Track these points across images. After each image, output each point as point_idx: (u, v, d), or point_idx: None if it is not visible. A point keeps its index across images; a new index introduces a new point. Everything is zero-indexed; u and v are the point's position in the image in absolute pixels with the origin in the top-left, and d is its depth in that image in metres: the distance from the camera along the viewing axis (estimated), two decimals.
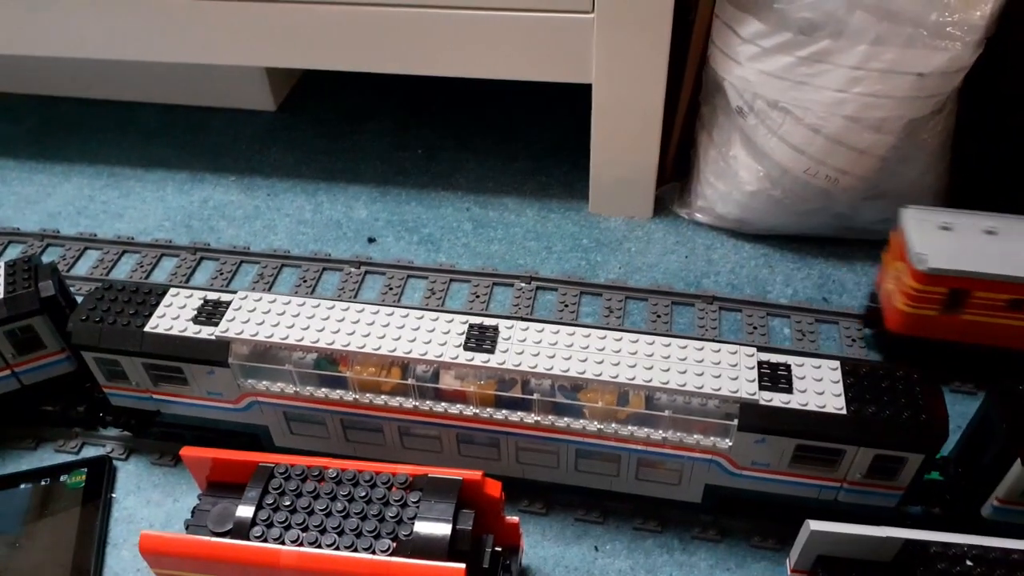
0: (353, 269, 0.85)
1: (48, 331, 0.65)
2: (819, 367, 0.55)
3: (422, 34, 0.79)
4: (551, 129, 1.02)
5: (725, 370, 0.55)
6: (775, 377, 0.55)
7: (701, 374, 0.54)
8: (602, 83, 0.79)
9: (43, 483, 0.66)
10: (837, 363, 0.55)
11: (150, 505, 0.66)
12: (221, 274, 0.84)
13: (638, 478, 0.60)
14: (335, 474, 0.51)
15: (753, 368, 0.55)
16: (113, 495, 0.66)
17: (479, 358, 0.56)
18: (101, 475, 0.67)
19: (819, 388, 0.54)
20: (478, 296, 0.81)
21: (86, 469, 0.67)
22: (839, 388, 0.54)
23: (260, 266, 0.85)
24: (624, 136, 0.82)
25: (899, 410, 0.53)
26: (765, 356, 0.56)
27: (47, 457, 0.69)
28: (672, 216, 0.88)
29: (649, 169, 0.84)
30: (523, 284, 0.81)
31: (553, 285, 0.81)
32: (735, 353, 0.56)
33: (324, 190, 0.96)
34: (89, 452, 0.69)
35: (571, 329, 0.58)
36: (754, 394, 0.53)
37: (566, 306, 0.78)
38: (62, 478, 0.67)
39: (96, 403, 0.69)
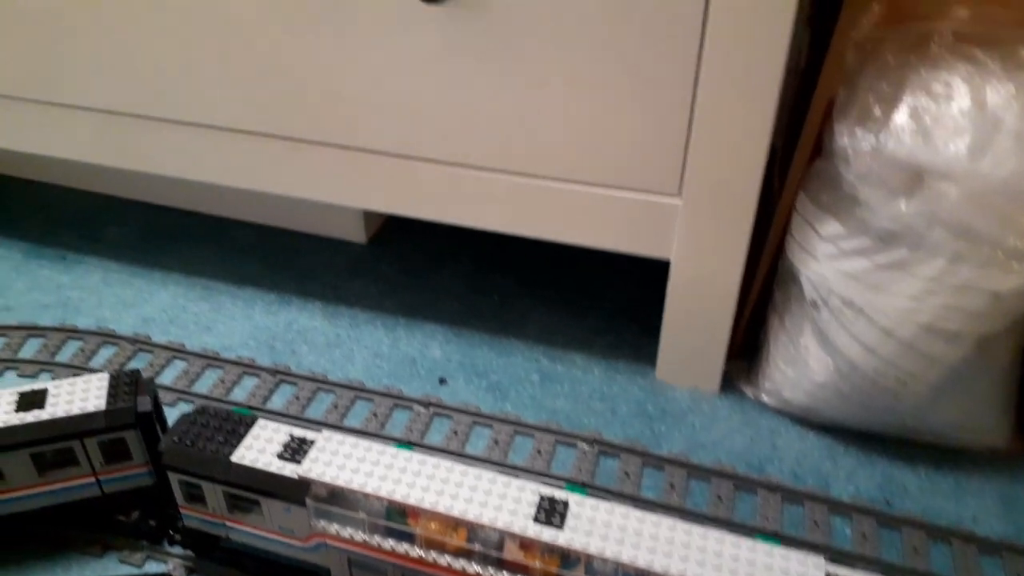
0: (422, 409, 0.87)
1: (137, 444, 0.68)
2: None
3: (511, 197, 0.84)
4: (623, 289, 1.06)
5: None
6: None
7: None
8: (681, 261, 0.82)
9: None
10: None
11: None
12: (298, 399, 0.87)
13: None
14: None
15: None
16: None
17: (547, 533, 0.57)
18: None
19: None
20: (541, 453, 0.82)
21: None
22: None
23: (336, 396, 0.88)
24: (698, 312, 0.85)
25: None
26: (834, 568, 0.56)
27: (111, 566, 0.71)
28: (738, 394, 0.90)
29: (719, 345, 0.87)
30: (586, 446, 0.83)
31: (615, 452, 0.82)
32: (803, 564, 0.56)
33: (403, 325, 1.00)
34: (152, 567, 0.71)
35: (641, 514, 0.58)
36: None
37: (628, 475, 0.80)
38: None
39: (166, 519, 0.71)
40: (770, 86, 0.70)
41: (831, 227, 0.78)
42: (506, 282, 1.08)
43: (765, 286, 0.89)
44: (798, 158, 0.82)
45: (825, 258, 0.78)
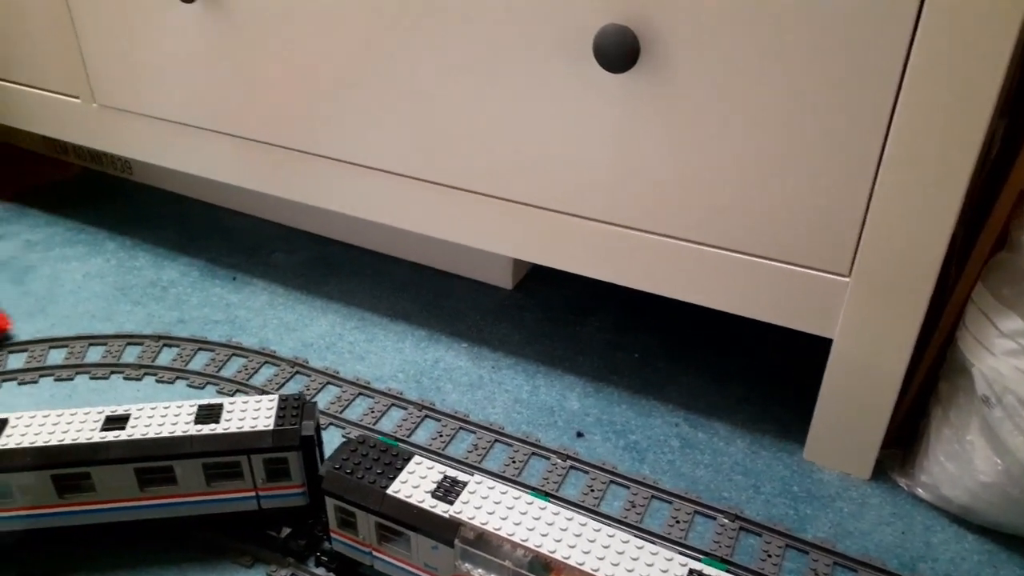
0: (560, 460, 0.88)
1: (298, 466, 0.72)
2: None
3: (673, 260, 0.84)
4: (770, 357, 1.04)
5: None
6: None
7: None
8: (845, 341, 0.80)
9: None
10: None
11: None
12: (441, 435, 0.90)
13: None
14: None
15: None
16: None
17: None
18: None
19: None
20: (678, 522, 0.81)
21: None
22: None
23: (476, 436, 0.90)
24: (857, 394, 0.82)
25: None
26: None
27: None
28: (891, 484, 0.86)
29: (877, 431, 0.83)
30: (726, 520, 0.81)
31: (758, 530, 0.80)
32: None
33: (543, 374, 1.01)
34: None
35: None
36: None
37: (769, 556, 0.77)
38: None
39: (314, 540, 0.74)
40: (962, 170, 0.68)
41: (1012, 323, 0.74)
42: (648, 340, 1.07)
43: (930, 375, 0.85)
44: (979, 248, 0.78)
45: (1003, 354, 0.74)
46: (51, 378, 0.98)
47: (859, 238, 0.75)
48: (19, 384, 0.97)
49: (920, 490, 0.84)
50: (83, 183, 1.42)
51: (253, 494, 0.73)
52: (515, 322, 1.11)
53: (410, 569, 0.67)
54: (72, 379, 0.98)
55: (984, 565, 0.77)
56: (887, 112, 0.69)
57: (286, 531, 0.75)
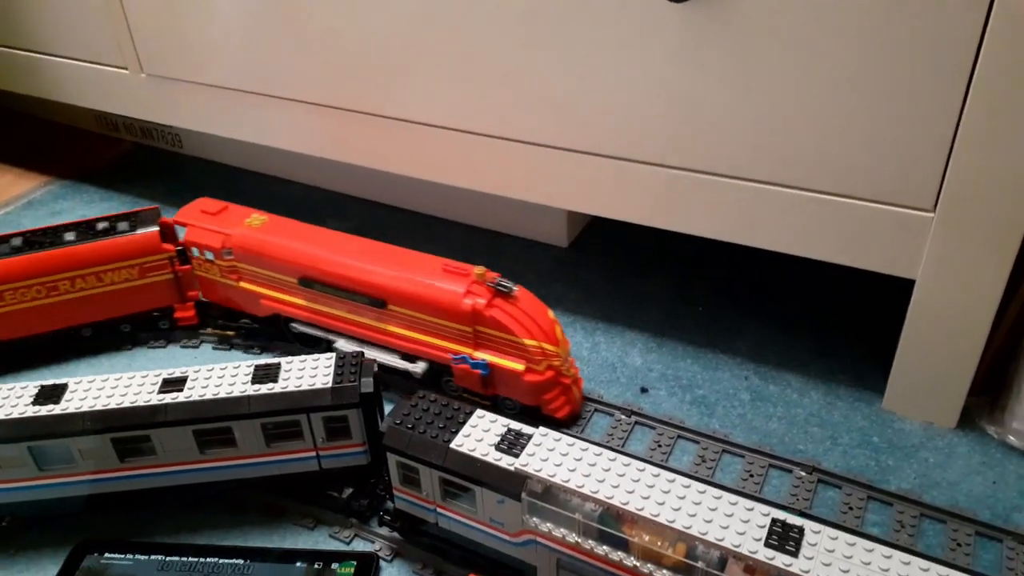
0: (624, 416, 0.85)
1: (358, 424, 0.70)
2: None
3: (742, 205, 0.80)
4: (839, 305, 0.99)
5: None
6: None
7: None
8: (929, 282, 0.75)
9: (316, 566, 0.70)
10: None
11: None
12: None
13: None
14: None
15: None
16: None
17: (781, 559, 0.53)
18: (368, 571, 0.69)
19: None
20: (752, 475, 0.77)
21: (355, 563, 0.70)
22: None
23: None
24: (942, 339, 0.77)
25: None
26: None
27: (321, 540, 0.73)
28: (979, 432, 0.81)
29: (963, 377, 0.78)
30: (803, 473, 0.77)
31: (837, 482, 0.76)
32: None
33: (602, 331, 0.98)
34: (359, 545, 0.73)
35: (888, 551, 0.53)
36: None
37: (851, 508, 0.73)
38: (333, 565, 0.70)
39: (377, 499, 0.73)
40: None
41: None
42: (711, 293, 1.03)
43: (1021, 316, 0.80)
44: None
45: None
46: (112, 350, 0.98)
47: (944, 168, 0.70)
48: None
49: (1012, 437, 0.79)
50: (135, 158, 1.43)
51: (313, 454, 0.72)
52: (572, 280, 1.07)
53: (475, 525, 0.65)
54: (131, 349, 0.98)
55: None
56: (978, 28, 0.63)
57: (348, 491, 0.73)
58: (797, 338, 0.95)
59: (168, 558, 0.71)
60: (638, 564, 0.58)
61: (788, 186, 0.77)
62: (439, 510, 0.66)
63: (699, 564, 0.55)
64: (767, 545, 0.54)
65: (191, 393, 0.70)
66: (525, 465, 0.60)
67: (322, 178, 1.29)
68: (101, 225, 0.93)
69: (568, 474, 0.59)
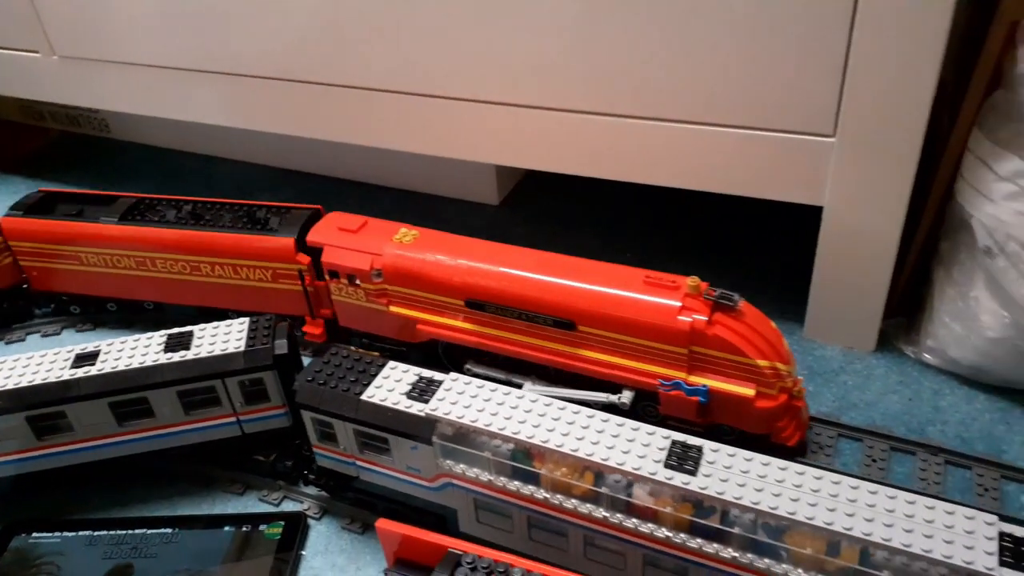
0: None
1: (275, 386, 0.70)
2: None
3: (649, 145, 0.80)
4: (762, 242, 1.00)
5: (959, 536, 0.49)
6: (1019, 554, 0.48)
7: (931, 536, 0.49)
8: (835, 207, 0.76)
9: (244, 529, 0.70)
10: None
11: (334, 569, 0.68)
12: None
13: None
14: (520, 575, 0.50)
15: (993, 539, 0.48)
16: (303, 552, 0.69)
17: (679, 478, 0.54)
18: (296, 531, 0.70)
19: None
20: None
21: (283, 523, 0.70)
22: None
23: None
24: (853, 263, 0.78)
25: None
26: (1009, 527, 0.49)
27: (251, 504, 0.74)
28: (896, 353, 0.82)
29: (876, 300, 0.79)
30: None
31: None
32: (972, 519, 0.50)
33: None
34: (288, 506, 0.73)
35: (784, 463, 0.54)
36: (993, 570, 0.47)
37: None
38: (261, 527, 0.70)
39: (302, 460, 0.73)
40: (943, 6, 0.63)
41: (1010, 164, 0.69)
42: (639, 239, 1.04)
43: (930, 236, 0.81)
44: (972, 91, 0.73)
45: (1003, 199, 0.70)
46: (38, 334, 0.97)
47: (840, 92, 0.70)
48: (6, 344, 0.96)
49: (927, 355, 0.80)
50: (63, 147, 1.40)
51: (234, 419, 0.72)
52: (503, 237, 1.05)
53: (394, 474, 0.65)
54: (59, 334, 0.97)
55: (996, 423, 0.74)
56: None
57: (274, 454, 0.74)
58: (722, 276, 0.95)
59: (96, 533, 0.71)
60: (548, 496, 0.59)
61: (693, 123, 0.77)
62: (358, 463, 0.66)
63: (603, 490, 0.56)
64: (667, 466, 0.55)
65: (103, 366, 0.69)
66: (435, 410, 0.60)
67: (253, 153, 1.27)
68: (259, 213, 0.87)
69: (477, 415, 0.60)
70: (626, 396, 0.71)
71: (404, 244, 0.79)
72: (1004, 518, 0.51)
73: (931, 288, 0.81)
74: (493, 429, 0.59)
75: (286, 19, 0.91)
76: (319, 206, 0.88)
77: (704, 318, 0.67)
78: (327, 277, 0.82)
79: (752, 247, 1.00)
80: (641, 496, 0.56)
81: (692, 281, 0.69)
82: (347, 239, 0.81)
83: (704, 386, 0.68)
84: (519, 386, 0.71)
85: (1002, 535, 0.49)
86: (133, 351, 0.70)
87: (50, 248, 0.91)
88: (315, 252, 0.83)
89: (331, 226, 0.83)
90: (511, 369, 0.78)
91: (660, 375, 0.70)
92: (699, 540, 0.55)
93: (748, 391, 0.67)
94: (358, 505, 0.70)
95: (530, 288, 0.73)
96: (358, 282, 0.80)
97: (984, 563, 0.47)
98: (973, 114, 0.73)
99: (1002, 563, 0.48)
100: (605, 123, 0.81)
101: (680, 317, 0.67)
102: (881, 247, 0.76)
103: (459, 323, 0.78)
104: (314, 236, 0.82)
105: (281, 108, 0.99)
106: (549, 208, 1.12)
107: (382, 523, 0.55)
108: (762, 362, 0.67)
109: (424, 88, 0.89)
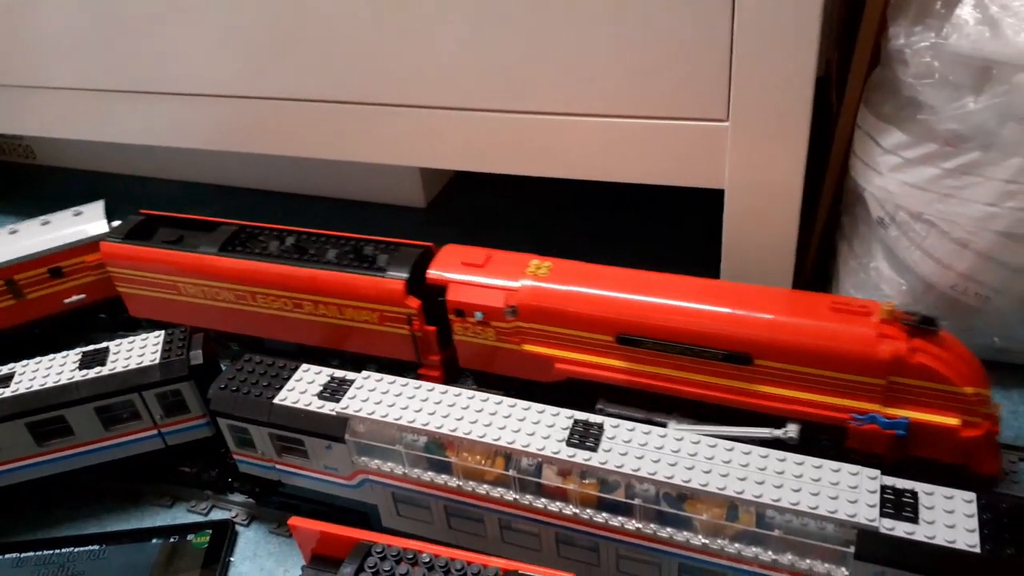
0: None
1: (193, 396, 0.71)
2: (951, 498, 0.51)
3: (561, 140, 0.82)
4: (686, 230, 1.02)
5: (844, 492, 0.51)
6: (899, 504, 0.50)
7: (817, 494, 0.51)
8: (735, 190, 0.78)
9: (172, 540, 0.71)
10: (973, 495, 0.50)
11: (263, 572, 0.68)
12: None
13: None
14: (428, 559, 0.52)
15: (875, 492, 0.51)
16: (231, 559, 0.70)
17: (580, 455, 0.55)
18: (223, 539, 0.70)
19: (949, 521, 0.49)
20: None
21: (211, 531, 0.71)
22: (973, 523, 0.49)
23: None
24: (758, 242, 0.81)
25: None
26: (890, 480, 0.52)
27: (180, 516, 0.74)
28: None
29: (784, 277, 0.82)
30: None
31: None
32: (857, 474, 0.52)
33: None
34: (217, 515, 0.74)
35: (680, 433, 0.56)
36: (874, 520, 0.49)
37: None
38: (189, 537, 0.71)
39: (227, 469, 0.73)
40: None
41: (894, 137, 0.72)
42: (565, 236, 1.06)
43: (832, 211, 0.84)
44: (855, 69, 0.76)
45: (889, 170, 0.73)
46: None
47: (729, 78, 0.73)
48: None
49: None
50: None
51: (155, 432, 0.72)
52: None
53: (314, 475, 0.66)
54: None
55: None
56: None
57: (199, 464, 0.74)
58: (648, 266, 0.98)
59: (23, 555, 0.71)
60: (462, 484, 0.60)
61: (594, 115, 0.79)
62: (278, 467, 0.67)
63: (512, 473, 0.58)
64: (569, 445, 0.56)
65: (18, 387, 0.69)
66: (345, 408, 0.62)
67: (183, 171, 1.27)
68: (367, 249, 0.81)
69: (387, 410, 0.61)
70: (792, 430, 0.66)
71: (540, 277, 0.72)
72: None
73: (836, 262, 0.84)
74: (403, 423, 0.60)
75: (208, 37, 0.92)
76: (430, 243, 0.81)
77: (905, 345, 0.62)
78: (451, 316, 0.75)
79: (680, 235, 1.02)
80: (549, 476, 0.58)
81: (887, 305, 0.63)
82: (474, 274, 0.75)
83: (904, 419, 0.62)
84: (662, 425, 0.64)
85: (884, 488, 0.51)
86: (48, 370, 0.70)
87: (148, 276, 0.87)
88: (428, 294, 0.77)
89: (453, 260, 0.76)
90: (651, 407, 0.72)
91: (849, 408, 0.64)
92: (606, 515, 0.56)
93: (953, 421, 0.62)
94: (284, 509, 0.71)
95: (699, 320, 0.67)
96: (488, 321, 0.73)
97: (866, 515, 0.50)
98: (859, 91, 0.76)
99: (883, 514, 0.50)
100: (514, 120, 0.83)
101: (881, 346, 0.62)
102: (782, 225, 0.79)
103: (606, 360, 0.71)
104: (436, 273, 0.76)
105: (205, 124, 0.99)
106: (478, 208, 1.13)
107: (295, 521, 0.56)
108: (968, 389, 0.62)
109: (341, 95, 0.90)
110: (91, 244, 0.89)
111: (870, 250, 0.78)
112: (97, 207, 0.93)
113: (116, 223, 0.91)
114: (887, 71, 0.73)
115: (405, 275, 0.76)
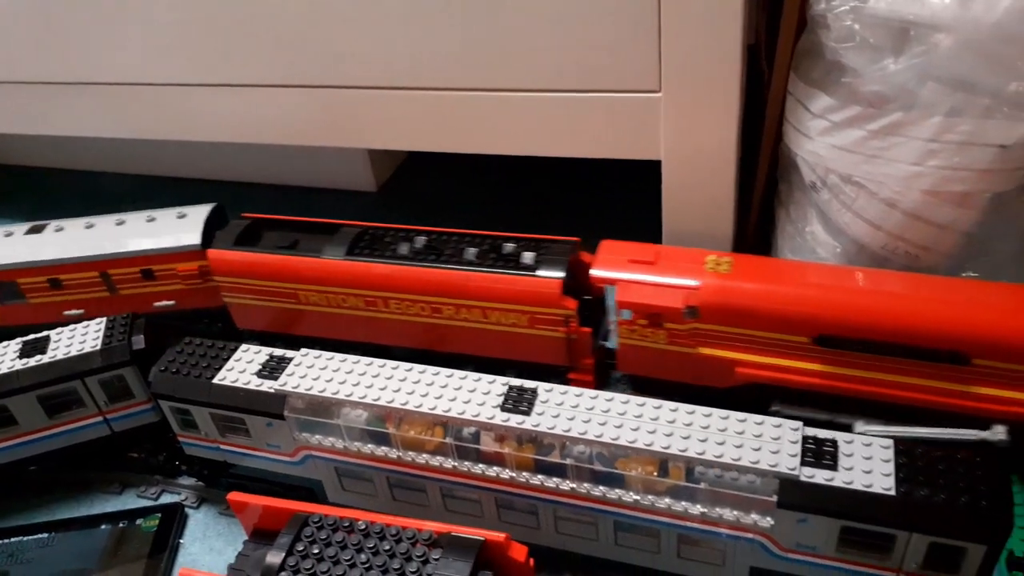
0: None
1: (137, 381, 0.71)
2: (870, 444, 0.52)
3: (499, 116, 0.83)
4: (635, 201, 1.03)
5: (767, 443, 0.53)
6: (820, 453, 0.52)
7: (740, 446, 0.53)
8: (671, 160, 0.79)
9: (121, 525, 0.71)
10: (890, 441, 0.52)
11: (212, 553, 0.69)
12: None
13: (680, 556, 0.57)
14: (364, 526, 0.52)
15: (797, 443, 0.52)
16: (181, 541, 0.70)
17: (514, 419, 0.57)
18: (172, 521, 0.71)
19: (867, 466, 0.51)
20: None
21: (160, 515, 0.71)
22: (890, 467, 0.51)
23: None
24: (696, 211, 0.82)
25: (956, 494, 0.49)
26: (812, 431, 0.53)
27: (130, 501, 0.74)
28: None
29: (723, 243, 0.83)
30: None
31: None
32: (779, 426, 0.53)
33: None
34: (167, 499, 0.74)
35: (610, 394, 0.57)
36: (795, 469, 0.51)
37: None
38: (138, 522, 0.71)
39: (175, 452, 0.73)
40: None
41: (821, 101, 0.73)
42: (517, 213, 1.06)
43: (769, 178, 0.85)
44: (783, 35, 0.77)
45: (818, 135, 0.74)
46: None
47: (659, 49, 0.74)
48: None
49: None
50: None
51: (101, 419, 0.72)
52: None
53: (258, 454, 0.67)
54: None
55: None
56: None
57: (147, 449, 0.74)
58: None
59: None
60: (401, 455, 0.61)
61: (531, 90, 0.80)
62: (222, 447, 0.68)
63: (449, 441, 0.59)
64: (503, 410, 0.57)
65: None
66: (284, 385, 0.62)
67: (128, 163, 1.26)
68: (507, 247, 0.75)
69: (325, 385, 0.61)
70: (1000, 431, 0.60)
71: (722, 274, 0.67)
72: None
73: (775, 228, 0.85)
74: (340, 397, 0.60)
75: (145, 24, 0.91)
76: (577, 238, 0.76)
77: None
78: (618, 317, 0.70)
79: (628, 207, 1.03)
80: (487, 443, 0.59)
81: None
82: (644, 272, 0.69)
83: None
84: (848, 428, 0.61)
85: (806, 439, 0.53)
86: None
87: (262, 284, 0.80)
88: (581, 295, 0.72)
89: (617, 258, 0.71)
90: (833, 408, 0.66)
91: None
92: (542, 477, 0.58)
93: None
94: (232, 490, 0.71)
95: (915, 318, 0.61)
96: (660, 322, 0.68)
97: (787, 464, 0.51)
98: (788, 58, 0.78)
99: (804, 463, 0.51)
100: (453, 99, 0.83)
101: None
102: (719, 193, 0.80)
103: (798, 363, 0.65)
104: (601, 272, 0.71)
105: (152, 113, 0.98)
106: (429, 191, 1.14)
107: (234, 496, 0.57)
108: None
109: (282, 79, 0.90)
110: (185, 252, 0.83)
111: (805, 215, 0.79)
112: (201, 210, 0.88)
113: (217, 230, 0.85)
114: (812, 36, 0.74)
115: (561, 274, 0.71)
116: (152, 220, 0.87)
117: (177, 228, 0.85)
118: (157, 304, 0.85)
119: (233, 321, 0.84)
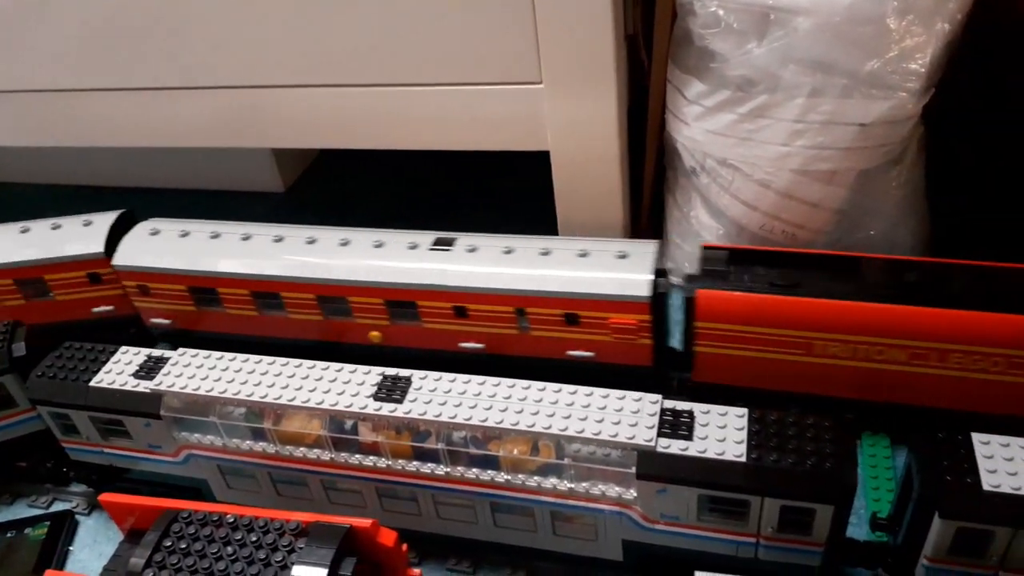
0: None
1: (19, 390, 0.70)
2: (725, 414, 0.54)
3: (391, 112, 0.83)
4: (531, 189, 1.05)
5: (626, 417, 0.54)
6: (676, 424, 0.53)
7: (601, 421, 0.54)
8: (559, 150, 0.81)
9: (8, 535, 0.70)
10: (744, 411, 0.54)
11: (102, 558, 0.68)
12: None
13: (556, 533, 0.59)
14: (232, 519, 0.52)
15: (655, 415, 0.54)
16: (70, 548, 0.69)
17: (386, 408, 0.57)
18: (61, 529, 0.70)
19: (721, 435, 0.52)
20: None
21: (49, 523, 0.70)
22: (742, 435, 0.52)
23: None
24: (587, 201, 0.83)
25: (803, 458, 0.51)
26: (671, 404, 0.55)
27: (20, 511, 0.73)
28: None
29: (616, 231, 0.85)
30: None
31: None
32: (639, 400, 0.55)
33: None
34: (59, 507, 0.73)
35: (482, 379, 0.58)
36: (651, 441, 0.52)
37: None
38: (26, 531, 0.70)
39: (63, 459, 0.73)
40: None
41: (695, 87, 0.75)
42: (427, 209, 1.07)
43: (659, 171, 0.87)
44: (658, 25, 0.79)
45: (694, 120, 0.76)
46: None
47: (537, 40, 0.75)
48: None
49: (672, 278, 0.86)
50: None
51: None
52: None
53: (142, 456, 0.66)
54: None
55: None
56: None
57: (34, 458, 0.73)
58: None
59: None
60: (279, 449, 0.61)
61: (416, 84, 0.81)
62: (105, 450, 0.67)
63: (324, 432, 0.59)
64: (376, 399, 0.58)
65: None
66: (159, 385, 0.62)
67: (36, 173, 1.24)
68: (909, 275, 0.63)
69: (200, 383, 0.61)
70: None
71: None
72: None
73: (664, 214, 0.87)
74: (215, 394, 0.60)
75: (44, 29, 0.89)
76: None
77: None
78: None
79: (535, 196, 1.04)
80: (363, 433, 0.59)
81: None
82: None
83: None
84: None
85: (663, 411, 0.54)
86: None
87: (760, 332, 0.64)
88: None
89: None
90: None
91: None
92: (417, 464, 0.58)
93: None
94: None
95: None
96: None
97: (644, 436, 0.53)
98: (665, 46, 0.79)
99: (660, 434, 0.53)
100: (341, 94, 0.83)
101: None
102: (607, 182, 0.82)
103: None
104: None
105: (50, 119, 0.97)
106: (339, 190, 1.14)
107: (105, 497, 0.56)
108: None
109: (180, 81, 0.89)
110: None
111: (689, 199, 0.81)
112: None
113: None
114: (683, 23, 0.76)
115: None
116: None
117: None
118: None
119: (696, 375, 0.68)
